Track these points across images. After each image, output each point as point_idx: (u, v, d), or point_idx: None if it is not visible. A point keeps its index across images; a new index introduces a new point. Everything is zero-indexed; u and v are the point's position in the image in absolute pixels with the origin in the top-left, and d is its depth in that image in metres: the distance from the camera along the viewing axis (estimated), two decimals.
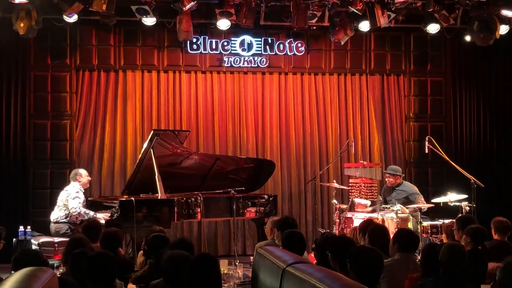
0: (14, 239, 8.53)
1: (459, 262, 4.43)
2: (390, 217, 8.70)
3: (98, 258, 4.11)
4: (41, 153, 10.23)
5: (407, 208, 8.89)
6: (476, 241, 5.71)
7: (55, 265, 6.00)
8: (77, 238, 5.49)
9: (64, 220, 8.50)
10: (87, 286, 4.10)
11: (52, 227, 8.59)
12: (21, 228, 8.71)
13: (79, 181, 8.79)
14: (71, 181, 8.82)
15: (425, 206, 8.93)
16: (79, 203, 8.52)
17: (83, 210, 8.46)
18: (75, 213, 8.42)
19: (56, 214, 8.58)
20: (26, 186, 10.11)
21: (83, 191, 8.79)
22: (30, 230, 8.76)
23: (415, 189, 9.43)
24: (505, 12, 9.42)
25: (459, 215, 7.15)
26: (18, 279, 2.92)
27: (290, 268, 3.23)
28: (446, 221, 8.02)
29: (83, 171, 8.99)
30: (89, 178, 9.11)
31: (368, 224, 6.32)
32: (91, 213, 8.40)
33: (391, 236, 5.88)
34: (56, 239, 8.24)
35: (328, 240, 4.86)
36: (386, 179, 9.53)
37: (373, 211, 9.19)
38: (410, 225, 8.58)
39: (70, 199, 8.48)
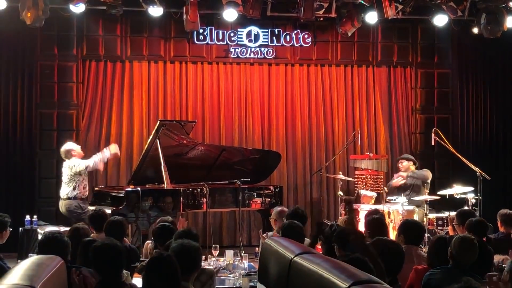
0: (20, 229, 8.55)
1: (470, 255, 4.45)
2: (396, 209, 8.70)
3: (104, 247, 4.03)
4: (47, 142, 10.24)
5: (413, 199, 8.93)
6: (478, 234, 5.69)
7: None
8: (76, 228, 5.49)
9: (74, 193, 8.44)
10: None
11: (62, 204, 8.49)
12: (28, 217, 8.73)
13: (74, 156, 8.64)
14: (66, 159, 8.61)
15: (428, 198, 8.86)
16: (85, 162, 8.54)
17: (91, 161, 8.54)
18: (91, 166, 8.51)
19: (65, 190, 8.49)
20: (33, 176, 10.14)
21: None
22: (36, 219, 8.78)
23: (428, 175, 9.43)
24: None
25: (458, 210, 7.13)
26: (27, 268, 2.93)
27: (297, 258, 3.23)
28: (452, 213, 8.01)
29: (74, 146, 8.76)
30: (82, 153, 8.84)
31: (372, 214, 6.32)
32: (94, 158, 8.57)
33: (396, 227, 5.89)
34: (62, 228, 8.20)
35: (335, 231, 4.86)
36: (399, 165, 9.62)
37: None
38: (416, 217, 8.57)
39: (77, 166, 8.45)
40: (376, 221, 5.82)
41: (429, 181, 9.38)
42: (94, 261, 3.99)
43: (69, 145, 8.78)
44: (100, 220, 6.32)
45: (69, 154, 8.65)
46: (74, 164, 8.51)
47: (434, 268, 4.51)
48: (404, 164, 9.55)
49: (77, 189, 8.49)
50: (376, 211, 6.87)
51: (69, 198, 8.49)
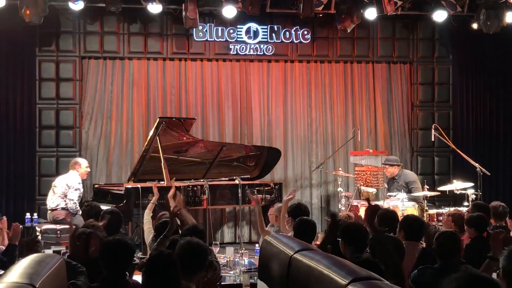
0: (20, 226, 8.50)
1: (454, 247, 4.37)
2: (396, 205, 8.69)
3: (115, 243, 3.99)
4: (47, 140, 10.23)
5: (410, 199, 8.90)
6: (478, 230, 5.67)
7: (61, 252, 6.02)
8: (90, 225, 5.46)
9: (63, 206, 8.43)
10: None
11: (50, 215, 8.50)
12: (28, 215, 8.72)
13: (78, 171, 8.66)
14: (70, 169, 8.71)
15: (428, 194, 8.81)
16: (78, 196, 8.48)
17: (78, 207, 8.41)
18: (72, 206, 8.37)
19: (56, 201, 8.47)
20: (33, 174, 10.13)
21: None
22: (36, 217, 8.77)
23: (412, 177, 9.32)
24: None
25: (475, 201, 7.09)
26: (26, 266, 2.93)
27: (297, 255, 3.24)
28: (452, 209, 8.00)
29: (83, 161, 8.84)
30: (88, 170, 8.97)
31: (375, 210, 6.29)
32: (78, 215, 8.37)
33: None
34: (59, 226, 8.17)
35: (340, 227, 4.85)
36: (385, 171, 9.48)
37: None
38: (415, 214, 8.56)
39: (72, 190, 8.41)
40: (391, 213, 5.80)
41: (413, 184, 9.23)
42: (103, 256, 3.96)
43: (79, 159, 8.99)
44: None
45: (74, 164, 8.73)
46: (72, 184, 8.53)
47: (424, 269, 4.40)
48: (389, 170, 9.39)
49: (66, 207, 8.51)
50: (376, 207, 6.85)
51: (56, 209, 8.48)
